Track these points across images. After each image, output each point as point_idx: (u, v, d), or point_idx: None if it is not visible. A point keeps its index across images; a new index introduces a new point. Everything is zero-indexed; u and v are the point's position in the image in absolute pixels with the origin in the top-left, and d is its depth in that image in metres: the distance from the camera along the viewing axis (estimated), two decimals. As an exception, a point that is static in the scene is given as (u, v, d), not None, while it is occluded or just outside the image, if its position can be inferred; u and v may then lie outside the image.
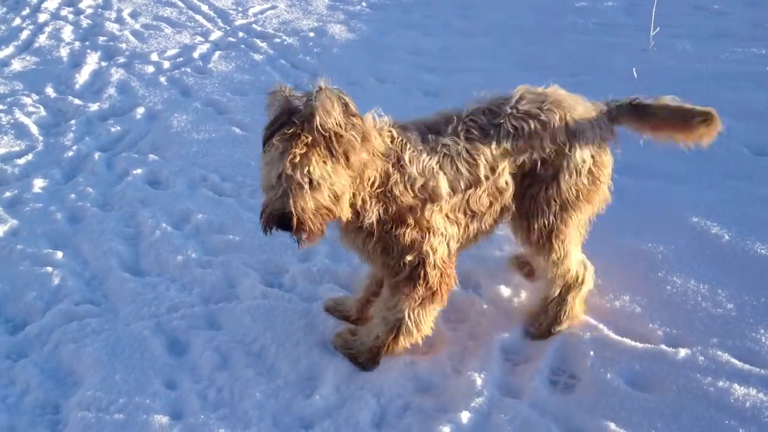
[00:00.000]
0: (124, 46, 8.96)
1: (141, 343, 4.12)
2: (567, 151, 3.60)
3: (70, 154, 6.44)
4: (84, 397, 3.75)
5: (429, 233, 3.52)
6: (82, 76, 8.08)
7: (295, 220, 3.15)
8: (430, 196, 3.48)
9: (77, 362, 4.04)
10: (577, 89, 6.91)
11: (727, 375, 3.58)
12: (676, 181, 5.40)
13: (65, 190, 5.85)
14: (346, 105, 3.15)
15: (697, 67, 7.26)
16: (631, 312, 4.08)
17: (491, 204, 3.64)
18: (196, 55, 8.67)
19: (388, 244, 3.51)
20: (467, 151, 3.51)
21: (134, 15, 10.03)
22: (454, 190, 3.53)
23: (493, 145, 3.54)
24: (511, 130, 3.55)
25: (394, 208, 3.44)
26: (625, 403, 3.48)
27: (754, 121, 6.13)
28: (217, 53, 8.70)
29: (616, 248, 4.31)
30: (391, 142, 3.43)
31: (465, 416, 3.49)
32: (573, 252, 3.86)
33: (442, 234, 3.56)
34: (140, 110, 7.21)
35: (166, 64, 8.42)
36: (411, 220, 3.48)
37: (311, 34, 9.15)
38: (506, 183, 3.61)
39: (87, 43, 9.15)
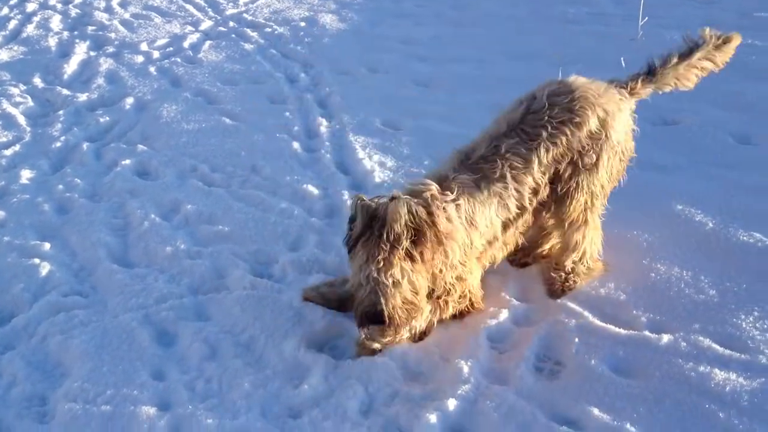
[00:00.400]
0: (113, 35, 8.96)
1: (129, 334, 4.13)
2: (604, 137, 3.96)
3: (58, 144, 6.44)
4: (71, 388, 3.76)
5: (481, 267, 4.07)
6: (71, 66, 8.08)
7: (386, 316, 3.63)
8: (490, 242, 3.99)
9: (64, 354, 4.04)
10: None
11: (708, 360, 3.61)
12: (662, 170, 5.43)
13: (53, 181, 5.86)
14: (416, 212, 3.57)
15: (686, 56, 7.27)
16: (616, 299, 4.10)
17: (535, 217, 4.10)
18: (186, 44, 8.67)
19: (449, 290, 3.97)
20: (515, 189, 3.91)
21: (123, 4, 10.04)
22: (506, 227, 4.00)
23: (535, 168, 3.91)
24: (550, 146, 3.90)
25: (466, 259, 3.89)
26: (609, 389, 3.51)
27: (739, 110, 6.16)
28: (208, 43, 8.70)
29: (602, 236, 4.33)
30: (457, 210, 3.79)
31: (452, 404, 3.51)
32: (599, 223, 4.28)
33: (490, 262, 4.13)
34: (129, 100, 7.21)
35: (156, 54, 8.41)
36: (469, 266, 3.95)
37: (302, 24, 9.15)
38: (546, 191, 4.00)
39: (75, 32, 9.15)
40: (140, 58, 8.27)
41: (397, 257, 3.57)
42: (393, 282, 3.59)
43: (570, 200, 4.01)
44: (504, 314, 4.11)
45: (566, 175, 3.98)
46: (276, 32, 8.89)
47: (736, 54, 7.01)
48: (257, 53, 8.35)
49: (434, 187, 3.74)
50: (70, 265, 4.83)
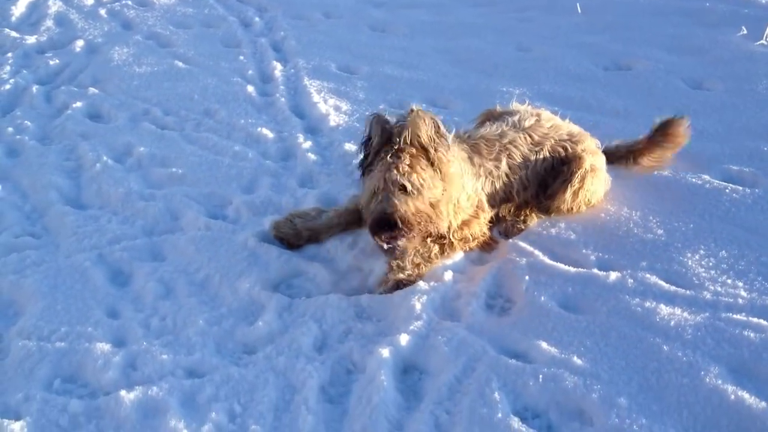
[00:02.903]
0: (61, -23, 8.73)
1: (82, 274, 4.10)
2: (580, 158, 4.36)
3: (8, 87, 6.32)
4: (25, 326, 3.73)
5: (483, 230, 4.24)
6: (19, 8, 7.90)
7: (398, 219, 3.72)
8: (478, 210, 4.19)
9: (18, 293, 4.00)
10: (524, 25, 6.94)
11: (654, 296, 3.70)
12: (615, 115, 5.51)
13: (3, 123, 5.76)
14: (437, 125, 3.78)
15: (640, 3, 7.34)
16: (566, 238, 4.18)
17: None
18: (137, -13, 8.49)
19: (453, 244, 4.13)
20: (506, 174, 4.26)
21: (72, -54, 9.75)
22: (492, 205, 4.27)
23: (529, 169, 4.32)
24: (548, 156, 4.36)
25: (461, 217, 4.10)
26: (558, 324, 3.58)
27: (691, 56, 6.25)
28: (160, -15, 8.52)
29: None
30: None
31: (404, 339, 3.54)
32: None
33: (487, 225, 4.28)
34: (80, 43, 7.07)
35: (107, -4, 8.24)
36: (471, 229, 4.17)
37: (256, -33, 8.99)
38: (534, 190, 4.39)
39: (23, -26, 8.88)
40: (90, 1, 8.11)
41: (416, 163, 3.74)
42: (411, 187, 3.73)
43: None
44: (459, 253, 4.16)
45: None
46: (230, -25, 8.73)
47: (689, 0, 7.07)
48: (211, -4, 8.22)
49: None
50: (21, 207, 4.77)
